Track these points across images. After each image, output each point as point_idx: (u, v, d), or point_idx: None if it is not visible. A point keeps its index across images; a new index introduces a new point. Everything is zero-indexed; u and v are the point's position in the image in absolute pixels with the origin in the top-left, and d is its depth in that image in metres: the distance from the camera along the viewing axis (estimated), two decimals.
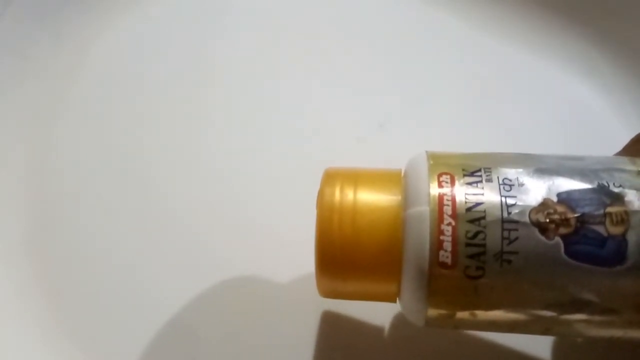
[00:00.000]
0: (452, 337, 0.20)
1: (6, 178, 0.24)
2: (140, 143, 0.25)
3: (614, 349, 0.20)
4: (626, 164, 0.16)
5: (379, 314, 0.21)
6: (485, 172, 0.16)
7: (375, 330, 0.21)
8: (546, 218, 0.15)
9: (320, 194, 0.17)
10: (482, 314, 0.16)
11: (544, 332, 0.16)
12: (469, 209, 0.15)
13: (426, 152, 0.17)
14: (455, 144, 0.18)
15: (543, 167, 0.16)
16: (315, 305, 0.21)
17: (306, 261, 0.18)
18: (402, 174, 0.18)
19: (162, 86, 0.26)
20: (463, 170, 0.16)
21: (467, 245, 0.15)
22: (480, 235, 0.15)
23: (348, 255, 0.17)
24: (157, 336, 0.21)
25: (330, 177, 0.18)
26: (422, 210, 0.16)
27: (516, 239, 0.15)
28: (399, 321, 0.21)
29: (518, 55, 0.27)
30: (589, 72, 0.26)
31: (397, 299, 0.18)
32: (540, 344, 0.20)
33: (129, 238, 0.23)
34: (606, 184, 0.16)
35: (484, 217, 0.15)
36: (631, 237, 0.15)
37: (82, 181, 0.24)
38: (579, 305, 0.15)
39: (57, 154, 0.25)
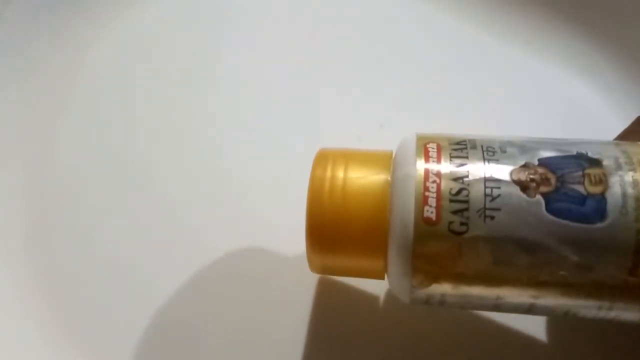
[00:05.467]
0: (446, 324, 0.21)
1: (6, 178, 0.24)
2: (139, 142, 0.26)
3: (614, 350, 0.21)
4: (608, 142, 0.17)
5: (371, 300, 0.22)
6: (470, 142, 0.17)
7: (368, 317, 0.21)
8: (527, 177, 0.16)
9: (313, 168, 0.18)
10: (467, 282, 0.16)
11: (529, 308, 0.17)
12: (453, 169, 0.16)
13: (416, 133, 0.18)
14: None
15: (526, 145, 0.17)
16: (310, 294, 0.22)
17: (304, 253, 0.19)
18: (394, 155, 0.19)
19: (162, 86, 0.27)
20: (449, 140, 0.17)
21: (451, 201, 0.16)
22: (464, 192, 0.16)
23: (337, 226, 0.18)
24: (158, 335, 0.21)
25: (323, 154, 0.19)
26: (409, 170, 0.17)
27: (498, 196, 0.16)
28: (391, 307, 0.21)
29: (518, 55, 0.28)
30: (589, 71, 0.27)
31: (385, 275, 0.18)
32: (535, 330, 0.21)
33: (128, 237, 0.23)
34: (585, 152, 0.17)
35: (467, 176, 0.16)
36: (610, 197, 0.16)
37: (81, 181, 0.25)
38: (559, 262, 0.16)
39: (57, 154, 0.25)
